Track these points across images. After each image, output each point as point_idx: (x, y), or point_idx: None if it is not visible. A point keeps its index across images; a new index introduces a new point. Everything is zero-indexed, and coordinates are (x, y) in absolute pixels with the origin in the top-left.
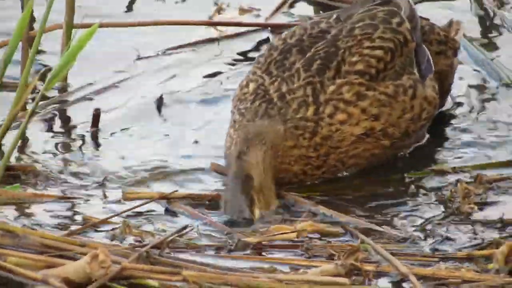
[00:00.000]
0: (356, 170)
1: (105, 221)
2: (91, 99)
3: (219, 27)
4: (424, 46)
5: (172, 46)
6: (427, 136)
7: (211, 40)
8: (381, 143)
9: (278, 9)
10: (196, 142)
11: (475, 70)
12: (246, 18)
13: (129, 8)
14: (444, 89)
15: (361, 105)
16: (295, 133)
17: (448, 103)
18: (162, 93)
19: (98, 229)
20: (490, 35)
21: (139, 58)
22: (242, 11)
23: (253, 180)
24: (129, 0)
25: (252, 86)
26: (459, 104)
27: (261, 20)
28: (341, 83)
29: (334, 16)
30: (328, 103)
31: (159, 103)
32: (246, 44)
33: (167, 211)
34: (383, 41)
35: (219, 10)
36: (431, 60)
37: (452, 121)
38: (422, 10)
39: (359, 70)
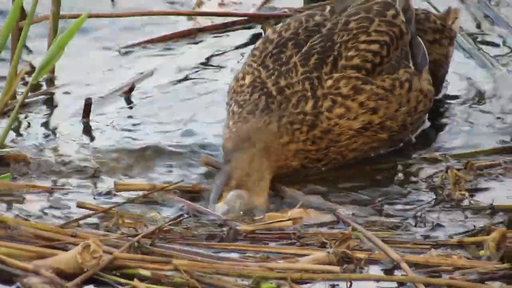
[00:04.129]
0: (354, 161)
1: (105, 211)
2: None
3: (199, 19)
4: (419, 38)
5: (153, 37)
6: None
7: (191, 33)
8: (380, 137)
9: (264, 3)
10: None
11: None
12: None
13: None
14: (438, 78)
15: (359, 99)
16: (290, 128)
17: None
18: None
19: (91, 219)
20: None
21: (121, 51)
22: (221, 5)
23: (231, 179)
24: None
25: (248, 78)
26: (449, 92)
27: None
28: (339, 78)
29: (329, 8)
30: (326, 97)
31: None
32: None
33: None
34: (379, 35)
35: (199, 4)
36: (426, 52)
37: (443, 109)
38: None
39: (356, 64)
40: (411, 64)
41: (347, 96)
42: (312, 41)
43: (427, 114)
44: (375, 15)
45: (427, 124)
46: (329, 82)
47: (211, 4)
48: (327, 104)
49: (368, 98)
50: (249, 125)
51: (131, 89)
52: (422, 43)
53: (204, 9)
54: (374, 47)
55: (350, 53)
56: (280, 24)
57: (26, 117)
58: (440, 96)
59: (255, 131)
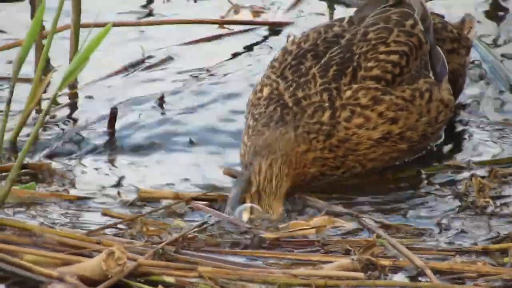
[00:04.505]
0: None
1: (131, 219)
2: (102, 96)
3: (229, 27)
4: (438, 47)
5: (178, 43)
6: (443, 135)
7: (216, 37)
8: (399, 147)
9: (293, 5)
10: (191, 142)
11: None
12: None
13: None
14: (457, 88)
15: (378, 109)
16: (307, 137)
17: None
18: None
19: (115, 227)
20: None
21: (144, 58)
22: (255, 12)
23: (251, 185)
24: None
25: (266, 91)
26: (471, 101)
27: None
28: (358, 88)
29: (347, 19)
30: (344, 107)
31: (161, 102)
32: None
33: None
34: (398, 45)
35: (235, 10)
36: (446, 62)
37: (465, 117)
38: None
39: (376, 75)
40: (431, 74)
41: (366, 106)
42: (331, 52)
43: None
44: (394, 25)
45: (448, 132)
46: (348, 93)
47: (245, 12)
48: (345, 115)
49: (387, 108)
50: (267, 135)
51: (162, 98)
52: (441, 52)
53: (238, 16)
54: (394, 57)
55: (369, 64)
56: (299, 35)
57: (51, 126)
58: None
59: (274, 139)
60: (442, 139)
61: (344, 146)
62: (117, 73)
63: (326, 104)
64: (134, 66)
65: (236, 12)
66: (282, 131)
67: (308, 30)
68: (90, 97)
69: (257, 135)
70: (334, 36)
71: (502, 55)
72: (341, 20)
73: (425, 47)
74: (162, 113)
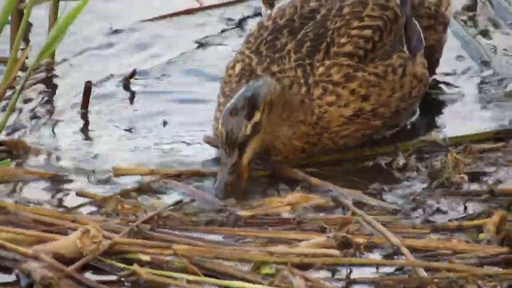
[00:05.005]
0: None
1: (104, 199)
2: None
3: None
4: (415, 20)
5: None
6: (418, 111)
7: (188, 12)
8: (372, 124)
9: None
10: (165, 123)
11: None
12: None
13: None
14: (432, 64)
15: (350, 86)
16: (304, 107)
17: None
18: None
19: (90, 205)
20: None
21: (112, 32)
22: None
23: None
24: None
25: (238, 67)
26: (447, 77)
27: None
28: (330, 65)
29: None
30: (317, 84)
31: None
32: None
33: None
34: (372, 20)
35: None
36: (422, 36)
37: (440, 95)
38: None
39: (348, 51)
40: (405, 48)
41: (338, 83)
42: (306, 28)
43: (427, 98)
44: None
45: (426, 108)
46: (321, 70)
47: None
48: (318, 92)
49: (359, 85)
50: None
51: (132, 75)
52: (418, 25)
53: None
54: (367, 32)
55: (342, 40)
56: (275, 10)
57: (25, 103)
58: (435, 78)
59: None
60: (417, 115)
61: (319, 124)
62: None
63: (302, 81)
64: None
65: None
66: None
67: (284, 5)
68: (65, 73)
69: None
70: (310, 11)
71: (480, 32)
72: None
73: (401, 20)
74: (132, 91)
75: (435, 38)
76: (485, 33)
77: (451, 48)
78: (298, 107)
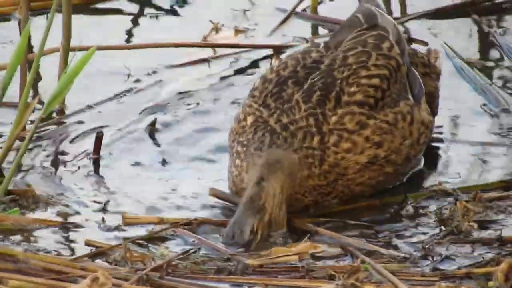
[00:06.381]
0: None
1: (113, 248)
2: (87, 122)
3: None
4: (413, 69)
5: (166, 65)
6: (423, 159)
7: (203, 60)
8: (385, 170)
9: (275, 29)
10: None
11: (472, 94)
12: (240, 38)
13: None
14: (432, 112)
15: (364, 134)
16: (307, 162)
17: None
18: (156, 118)
19: (100, 254)
20: (488, 59)
21: (131, 78)
22: (237, 31)
23: (265, 213)
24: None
25: (250, 119)
26: (455, 125)
27: (255, 41)
28: (343, 113)
29: (322, 44)
30: (332, 132)
31: (152, 129)
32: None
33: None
34: (378, 69)
35: (216, 30)
36: (421, 83)
37: (446, 144)
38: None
39: (359, 100)
40: (409, 96)
41: (352, 131)
42: (312, 77)
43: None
44: (372, 49)
45: (435, 157)
46: (334, 118)
47: (225, 30)
48: (333, 139)
49: (373, 132)
50: (270, 152)
51: (153, 123)
52: (417, 73)
53: (220, 35)
54: (375, 81)
55: (352, 89)
56: (277, 63)
57: (35, 151)
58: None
59: (282, 156)
60: (422, 163)
61: (334, 171)
62: (105, 99)
63: (314, 129)
64: (123, 92)
65: (217, 31)
66: (286, 152)
67: (285, 57)
68: (78, 122)
69: (254, 156)
70: (313, 62)
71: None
72: (317, 45)
73: (403, 69)
74: (152, 139)
75: (433, 86)
76: (501, 80)
77: (467, 95)
78: (299, 166)
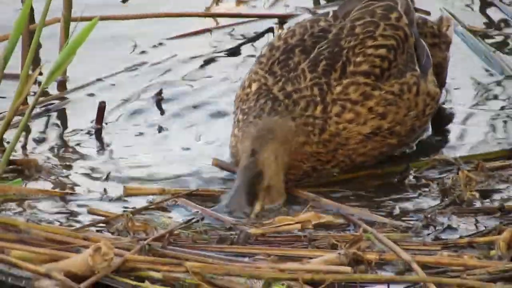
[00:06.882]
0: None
1: (115, 217)
2: (92, 94)
3: (217, 18)
4: (422, 40)
5: (168, 37)
6: (430, 129)
7: (207, 31)
8: (389, 142)
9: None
10: (199, 138)
11: (476, 61)
12: (243, 9)
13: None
14: (440, 83)
15: (368, 104)
16: (305, 129)
17: (446, 95)
18: (161, 88)
19: (102, 224)
20: (491, 27)
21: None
22: (239, 2)
23: (263, 178)
24: None
25: (254, 86)
26: (458, 94)
27: (257, 11)
28: (348, 84)
29: (331, 13)
30: (335, 103)
31: (158, 99)
32: (243, 34)
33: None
34: (385, 39)
35: (217, 1)
36: (429, 54)
37: (453, 112)
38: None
39: (365, 70)
40: (416, 67)
41: (356, 101)
42: (319, 47)
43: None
44: (380, 19)
45: (438, 125)
46: (338, 88)
47: (229, 1)
48: (336, 109)
49: (377, 103)
50: (264, 121)
51: (160, 93)
52: (425, 44)
53: (221, 6)
54: (382, 51)
55: (358, 59)
56: (285, 31)
57: (37, 122)
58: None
59: (275, 125)
60: (429, 133)
61: (335, 140)
62: (109, 70)
63: (318, 99)
64: (126, 63)
65: (218, 3)
66: (282, 120)
67: (294, 25)
68: (81, 93)
69: (249, 126)
70: (321, 30)
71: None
72: (326, 14)
73: (411, 40)
74: (159, 109)
75: (441, 56)
76: (505, 48)
77: (471, 63)
78: (295, 133)
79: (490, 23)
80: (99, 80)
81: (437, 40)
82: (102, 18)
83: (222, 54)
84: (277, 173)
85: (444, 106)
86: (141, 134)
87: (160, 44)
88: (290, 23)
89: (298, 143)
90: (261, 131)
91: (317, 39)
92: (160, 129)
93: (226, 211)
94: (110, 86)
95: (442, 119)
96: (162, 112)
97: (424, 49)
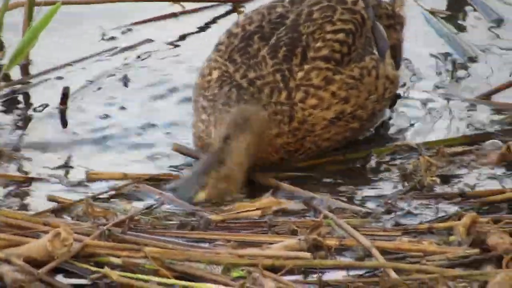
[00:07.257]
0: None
1: (75, 203)
2: (60, 77)
3: (182, 3)
4: (378, 23)
5: (134, 21)
6: (389, 112)
7: (173, 15)
8: (351, 126)
9: None
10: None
11: (438, 44)
12: None
13: None
14: (396, 63)
15: (331, 89)
16: (276, 119)
17: (408, 77)
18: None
19: (62, 209)
20: (454, 9)
21: (103, 38)
22: None
23: (223, 167)
24: None
25: (215, 73)
26: (420, 78)
27: None
28: (309, 69)
29: None
30: (298, 88)
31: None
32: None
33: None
34: (344, 23)
35: None
36: (386, 36)
37: (412, 96)
38: None
39: (325, 55)
40: (375, 50)
41: (319, 86)
42: (278, 33)
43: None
44: (336, 3)
45: (399, 111)
46: (300, 74)
47: None
48: (300, 95)
49: (339, 88)
50: (244, 108)
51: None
52: (381, 27)
53: None
54: (340, 36)
55: (318, 44)
56: (242, 18)
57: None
58: (404, 81)
59: (251, 114)
60: (387, 117)
61: (303, 128)
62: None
63: (281, 85)
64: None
65: None
66: (256, 108)
67: (250, 12)
68: (44, 77)
69: (222, 112)
70: (278, 16)
71: (461, 29)
72: (283, 0)
73: (368, 23)
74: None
75: (396, 37)
76: (466, 30)
77: (433, 45)
78: (267, 126)
79: (452, 5)
80: (67, 65)
81: (392, 21)
82: (65, 3)
83: (187, 38)
84: (241, 166)
85: (405, 90)
86: (106, 116)
87: (126, 28)
88: (249, 8)
89: (271, 135)
90: (237, 119)
91: (275, 25)
92: (132, 116)
93: (173, 192)
94: (76, 70)
95: (402, 104)
96: (127, 95)
97: (380, 31)
